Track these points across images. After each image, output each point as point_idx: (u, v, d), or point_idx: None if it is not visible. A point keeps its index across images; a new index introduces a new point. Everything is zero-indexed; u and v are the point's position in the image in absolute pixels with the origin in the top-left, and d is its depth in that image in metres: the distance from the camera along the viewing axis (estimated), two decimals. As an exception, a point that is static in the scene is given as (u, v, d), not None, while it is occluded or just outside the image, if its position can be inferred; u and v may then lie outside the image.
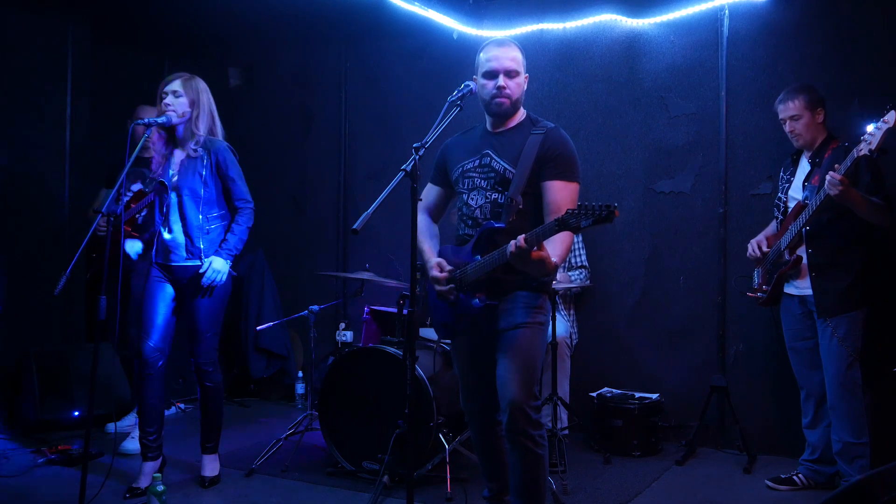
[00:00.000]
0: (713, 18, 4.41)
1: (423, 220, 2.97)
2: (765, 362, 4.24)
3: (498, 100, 2.75)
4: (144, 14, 5.15)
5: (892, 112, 3.07)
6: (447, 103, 2.72)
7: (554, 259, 2.52)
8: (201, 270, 3.50)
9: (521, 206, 2.68)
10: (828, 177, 3.20)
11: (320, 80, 5.79)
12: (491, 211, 2.75)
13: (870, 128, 3.12)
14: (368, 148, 5.61)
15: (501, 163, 2.75)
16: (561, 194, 2.66)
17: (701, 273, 4.45)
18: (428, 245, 2.89)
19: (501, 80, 2.73)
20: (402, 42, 5.38)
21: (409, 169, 2.51)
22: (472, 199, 2.80)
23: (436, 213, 3.06)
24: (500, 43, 2.80)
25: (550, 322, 2.82)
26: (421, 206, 2.97)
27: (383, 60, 5.53)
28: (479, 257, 2.68)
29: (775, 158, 4.18)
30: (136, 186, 4.27)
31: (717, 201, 4.41)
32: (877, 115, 3.12)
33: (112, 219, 3.16)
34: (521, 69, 2.79)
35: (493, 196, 2.75)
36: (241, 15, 5.03)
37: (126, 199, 4.17)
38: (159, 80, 3.56)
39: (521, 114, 2.85)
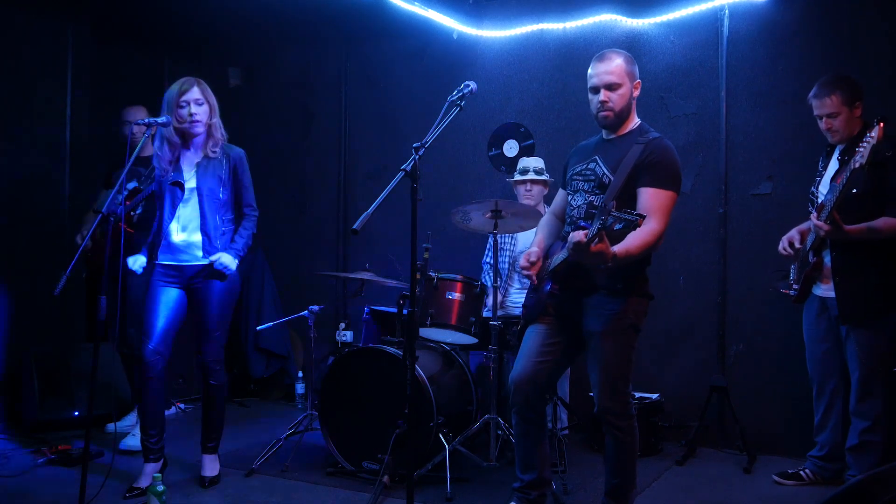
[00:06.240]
0: (713, 18, 4.41)
1: (545, 217, 3.24)
2: (765, 362, 4.24)
3: (602, 113, 2.88)
4: (144, 14, 5.15)
5: (877, 127, 2.98)
6: (447, 103, 2.74)
7: (614, 250, 2.55)
8: (211, 258, 3.51)
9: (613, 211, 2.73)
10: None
11: (320, 81, 5.79)
12: (586, 212, 2.87)
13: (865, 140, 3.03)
14: (368, 148, 5.61)
15: (603, 168, 2.86)
16: (652, 201, 2.72)
17: (701, 273, 4.45)
18: (539, 236, 3.12)
19: (602, 95, 2.84)
20: (402, 42, 5.38)
21: (409, 169, 2.54)
22: (575, 200, 2.95)
23: (561, 215, 3.15)
24: (601, 57, 2.88)
25: (637, 321, 2.84)
26: (549, 208, 3.25)
27: (383, 60, 5.53)
28: (566, 251, 2.80)
29: (775, 158, 4.19)
30: (132, 185, 4.25)
31: (717, 201, 4.41)
32: (876, 117, 3.09)
33: (112, 219, 3.15)
34: (625, 79, 2.84)
35: (590, 199, 2.87)
36: (241, 15, 5.03)
37: (121, 197, 4.15)
38: (159, 79, 3.52)
39: (634, 122, 2.93)
